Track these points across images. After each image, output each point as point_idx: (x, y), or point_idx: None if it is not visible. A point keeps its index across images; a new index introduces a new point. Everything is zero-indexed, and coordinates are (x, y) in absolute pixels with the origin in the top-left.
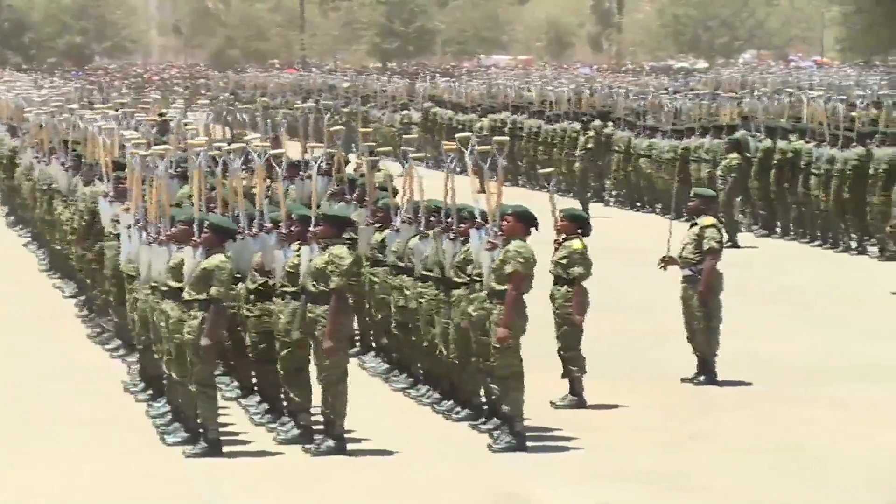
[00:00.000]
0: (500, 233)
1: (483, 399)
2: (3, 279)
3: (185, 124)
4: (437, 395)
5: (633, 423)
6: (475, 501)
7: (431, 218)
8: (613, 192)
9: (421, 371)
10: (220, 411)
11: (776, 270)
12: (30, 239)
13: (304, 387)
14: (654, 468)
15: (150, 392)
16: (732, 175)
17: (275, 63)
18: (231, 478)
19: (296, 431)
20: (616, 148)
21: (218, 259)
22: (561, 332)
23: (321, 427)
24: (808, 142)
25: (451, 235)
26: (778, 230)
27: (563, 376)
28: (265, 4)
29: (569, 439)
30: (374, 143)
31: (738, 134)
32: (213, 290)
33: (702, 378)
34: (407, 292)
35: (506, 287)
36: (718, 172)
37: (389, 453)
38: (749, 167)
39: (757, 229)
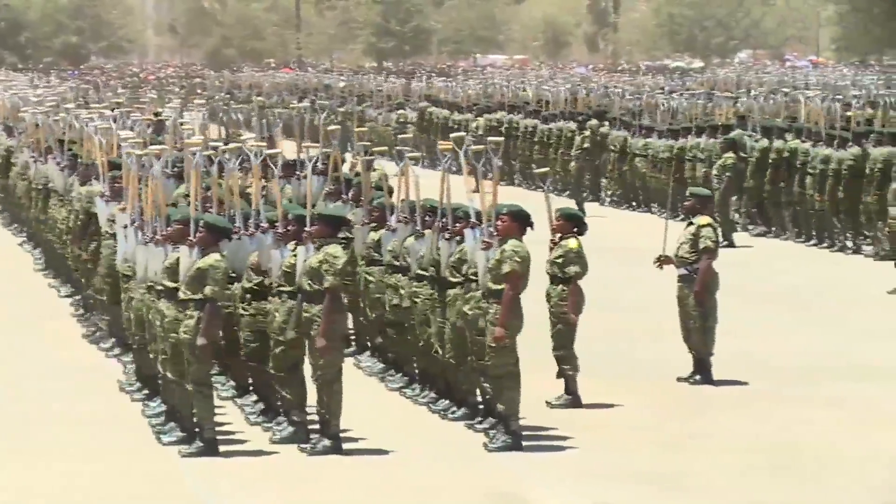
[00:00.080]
0: (495, 232)
1: (479, 398)
2: None
3: (181, 124)
4: (432, 395)
5: (628, 423)
6: (471, 501)
7: (427, 217)
8: (609, 192)
9: (417, 371)
10: (216, 411)
11: (772, 270)
12: (25, 239)
13: (298, 386)
14: (650, 468)
15: (145, 392)
16: (728, 175)
17: (271, 62)
18: (227, 477)
19: (290, 429)
20: (612, 147)
21: (213, 258)
22: (555, 330)
23: (316, 425)
24: (804, 141)
25: (447, 235)
26: (772, 229)
27: (559, 376)
28: (261, 4)
29: (564, 439)
30: (369, 143)
31: (734, 133)
32: (208, 290)
33: (697, 377)
34: (402, 291)
35: (502, 287)
36: (714, 172)
37: (385, 453)
38: (745, 166)
39: (753, 228)
